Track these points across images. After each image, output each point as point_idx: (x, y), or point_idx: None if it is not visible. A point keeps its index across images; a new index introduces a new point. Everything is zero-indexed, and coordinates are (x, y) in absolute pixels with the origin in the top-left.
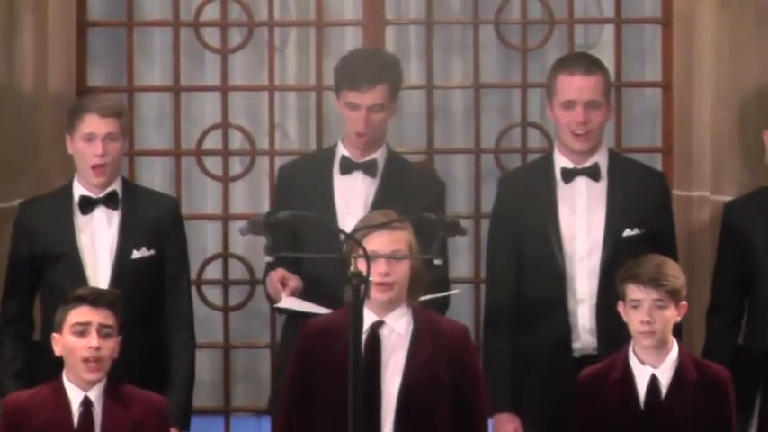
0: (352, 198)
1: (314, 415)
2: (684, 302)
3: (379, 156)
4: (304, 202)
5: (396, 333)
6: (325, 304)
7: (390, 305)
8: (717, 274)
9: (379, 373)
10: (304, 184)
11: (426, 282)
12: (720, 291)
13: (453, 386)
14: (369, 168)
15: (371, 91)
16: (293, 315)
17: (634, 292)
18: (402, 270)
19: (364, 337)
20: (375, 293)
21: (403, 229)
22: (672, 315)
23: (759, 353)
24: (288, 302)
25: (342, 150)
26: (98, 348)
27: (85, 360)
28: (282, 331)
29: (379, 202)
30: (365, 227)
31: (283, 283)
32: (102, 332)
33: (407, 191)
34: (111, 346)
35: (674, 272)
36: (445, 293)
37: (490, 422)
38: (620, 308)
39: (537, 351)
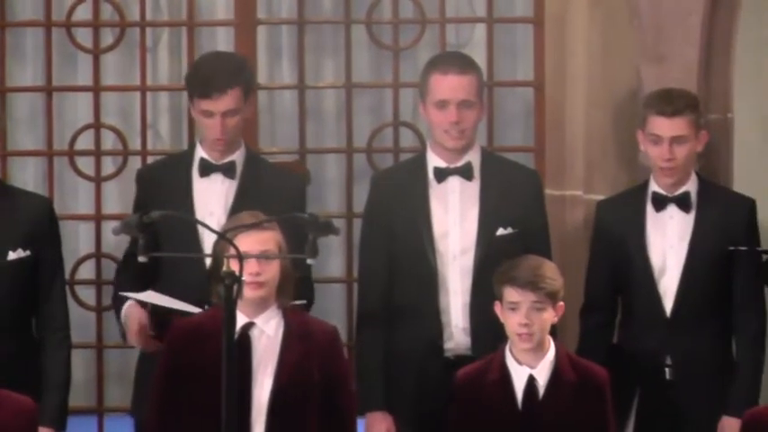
0: (211, 200)
1: (184, 419)
2: (562, 303)
3: (237, 157)
4: (164, 204)
5: (266, 335)
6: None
7: (261, 306)
8: (590, 273)
9: (250, 375)
10: (163, 187)
11: (295, 281)
12: (594, 290)
13: (322, 387)
14: (228, 170)
15: (223, 97)
16: (156, 312)
17: (511, 294)
18: (273, 270)
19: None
20: (247, 292)
21: (271, 229)
22: (549, 317)
23: (634, 352)
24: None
25: (200, 152)
26: None
27: None
28: None
29: (238, 204)
30: (235, 227)
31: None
32: None
33: (267, 191)
34: None
35: (552, 273)
36: (300, 302)
37: (362, 422)
38: (497, 308)
39: (410, 350)
